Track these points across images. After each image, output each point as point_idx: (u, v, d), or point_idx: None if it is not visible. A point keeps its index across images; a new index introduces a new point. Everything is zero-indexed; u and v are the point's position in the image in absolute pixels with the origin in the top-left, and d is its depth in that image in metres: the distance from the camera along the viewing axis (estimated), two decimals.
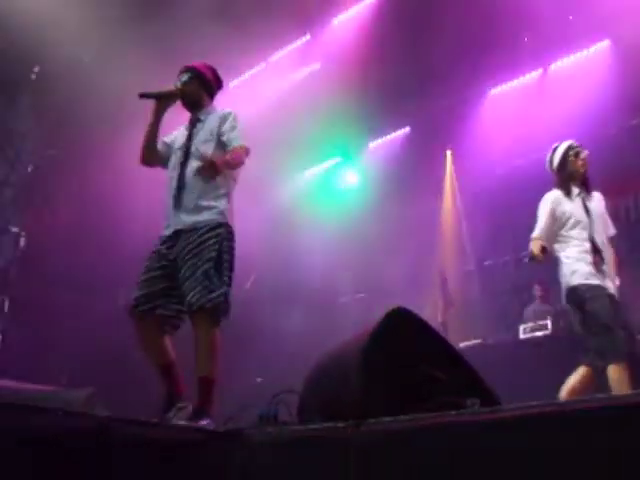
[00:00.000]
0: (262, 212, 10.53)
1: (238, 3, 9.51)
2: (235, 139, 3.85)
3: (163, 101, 3.95)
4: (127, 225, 9.92)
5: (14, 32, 9.36)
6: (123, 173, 10.91)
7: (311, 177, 12.21)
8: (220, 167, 3.60)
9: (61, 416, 2.50)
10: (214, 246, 3.65)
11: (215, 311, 3.57)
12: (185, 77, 4.03)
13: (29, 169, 12.45)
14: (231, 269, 3.70)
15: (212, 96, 4.15)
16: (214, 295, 3.55)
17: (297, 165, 11.76)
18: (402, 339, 2.85)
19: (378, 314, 2.88)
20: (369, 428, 2.31)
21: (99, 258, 10.30)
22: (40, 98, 12.11)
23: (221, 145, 3.87)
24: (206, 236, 3.67)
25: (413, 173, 10.52)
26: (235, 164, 3.78)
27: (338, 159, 11.94)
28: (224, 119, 3.92)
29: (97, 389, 6.44)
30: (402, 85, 9.95)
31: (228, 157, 3.73)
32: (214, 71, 4.18)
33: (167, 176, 3.95)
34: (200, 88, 4.06)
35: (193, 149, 3.87)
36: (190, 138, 3.94)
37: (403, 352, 2.82)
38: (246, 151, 3.83)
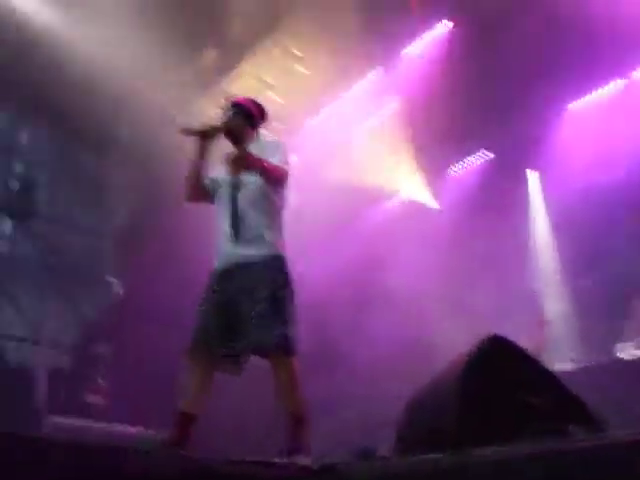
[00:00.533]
0: (346, 243, 10.57)
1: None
2: (276, 161, 3.81)
3: (208, 137, 3.92)
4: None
5: (104, 92, 9.81)
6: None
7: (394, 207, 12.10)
8: (251, 160, 3.58)
9: (163, 458, 2.53)
10: (276, 281, 3.61)
11: (279, 349, 3.51)
12: (230, 113, 3.99)
13: (122, 220, 12.93)
14: (293, 303, 3.63)
15: (257, 131, 4.12)
16: (275, 334, 3.48)
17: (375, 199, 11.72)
18: (498, 366, 2.76)
19: (470, 340, 2.81)
20: (467, 459, 2.24)
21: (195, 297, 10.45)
22: (129, 153, 12.62)
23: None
24: (266, 269, 3.63)
25: (496, 198, 10.31)
26: (266, 169, 3.70)
27: (419, 189, 11.82)
28: (268, 146, 3.91)
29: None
30: (479, 112, 9.81)
31: (262, 160, 3.69)
32: (259, 106, 4.15)
33: (217, 211, 3.91)
34: (245, 124, 4.00)
35: (240, 183, 3.83)
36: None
37: (500, 379, 2.73)
38: (285, 172, 3.80)
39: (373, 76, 10.76)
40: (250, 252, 3.66)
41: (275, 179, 3.75)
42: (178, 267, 10.87)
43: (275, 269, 3.64)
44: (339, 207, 10.80)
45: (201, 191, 3.94)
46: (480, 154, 11.20)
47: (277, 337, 3.46)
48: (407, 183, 11.55)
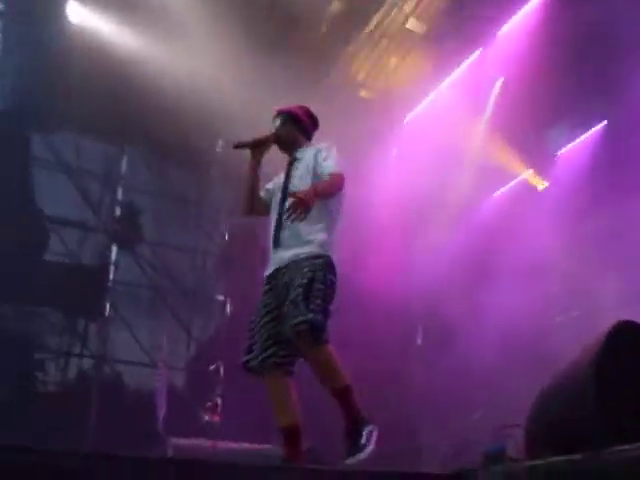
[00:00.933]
0: (458, 234, 10.40)
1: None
2: (328, 167, 3.77)
3: (259, 149, 3.96)
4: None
5: (199, 108, 10.06)
6: None
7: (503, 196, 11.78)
8: (308, 200, 3.47)
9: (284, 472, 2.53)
10: (307, 274, 3.52)
11: (301, 335, 3.41)
12: (278, 121, 4.03)
13: (225, 237, 13.21)
14: (324, 299, 3.51)
15: (308, 136, 4.12)
16: (298, 320, 3.38)
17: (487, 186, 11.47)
18: (631, 352, 2.55)
19: (597, 332, 2.61)
20: (609, 458, 2.04)
21: None
22: (226, 169, 12.89)
23: (317, 179, 3.79)
24: (302, 264, 3.57)
25: (613, 175, 9.79)
26: (327, 193, 3.67)
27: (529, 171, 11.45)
28: (318, 152, 3.86)
29: (314, 443, 6.51)
30: (587, 84, 9.38)
31: (319, 186, 3.63)
32: (307, 111, 4.15)
33: (270, 218, 3.91)
34: (294, 130, 4.04)
35: (291, 187, 3.80)
36: (288, 178, 3.91)
37: (634, 366, 2.51)
38: (341, 178, 3.73)
39: (473, 59, 10.49)
40: (291, 253, 3.66)
41: (337, 190, 3.74)
42: None
43: (314, 264, 3.57)
44: (450, 193, 10.68)
45: (257, 204, 3.99)
46: (592, 128, 10.67)
47: (299, 324, 3.38)
48: (516, 164, 11.22)
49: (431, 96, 11.10)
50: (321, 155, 3.83)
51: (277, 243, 3.72)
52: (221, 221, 13.23)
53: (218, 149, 12.66)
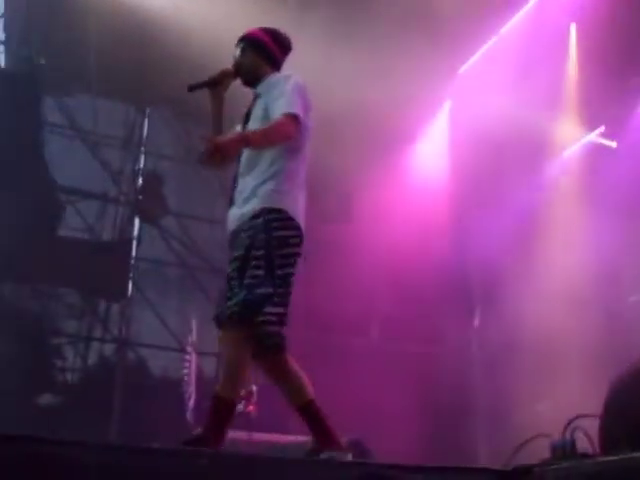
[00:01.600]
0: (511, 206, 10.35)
1: None
2: (278, 107, 3.42)
3: (218, 87, 3.70)
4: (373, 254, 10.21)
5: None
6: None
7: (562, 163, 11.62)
8: (226, 148, 3.20)
9: (323, 466, 2.56)
10: (245, 241, 3.36)
11: (230, 322, 3.28)
12: (237, 50, 3.74)
13: None
14: (268, 265, 3.30)
15: (275, 64, 3.78)
16: (229, 304, 3.29)
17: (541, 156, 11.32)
18: None
19: None
20: None
21: (343, 293, 10.62)
22: None
23: (266, 116, 3.51)
24: (242, 230, 3.41)
25: None
26: (260, 143, 3.38)
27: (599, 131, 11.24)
28: (274, 86, 3.56)
29: (359, 436, 6.57)
30: None
31: (250, 135, 3.36)
32: (273, 33, 3.80)
33: None
34: (256, 57, 3.72)
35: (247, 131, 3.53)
36: (246, 119, 3.64)
37: None
38: (288, 123, 3.36)
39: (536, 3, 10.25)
40: (238, 213, 3.49)
41: (280, 137, 3.40)
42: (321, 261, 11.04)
43: (254, 226, 3.37)
44: (509, 157, 10.60)
45: None
46: None
47: (227, 308, 3.28)
48: (583, 124, 11.05)
49: (489, 43, 10.90)
50: (275, 90, 3.53)
51: (231, 201, 3.56)
52: None
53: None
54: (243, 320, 3.21)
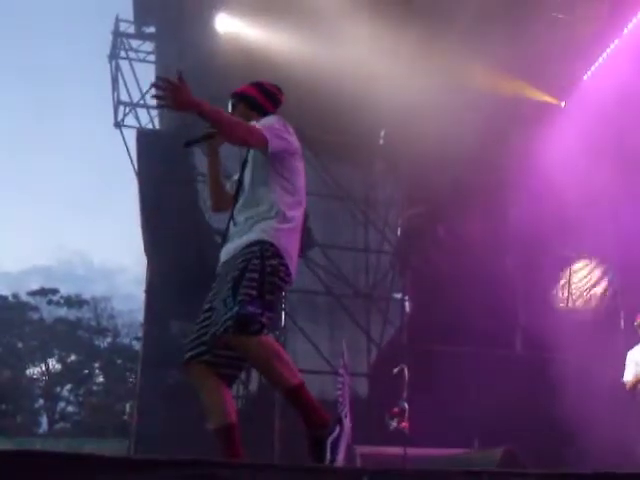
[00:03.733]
0: None
1: None
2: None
3: (212, 141, 3.68)
4: (499, 264, 10.01)
5: (356, 102, 10.25)
6: (493, 212, 11.18)
7: None
8: (181, 93, 3.18)
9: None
10: (240, 265, 3.32)
11: (227, 335, 3.20)
12: (228, 107, 3.77)
13: (398, 233, 13.31)
14: (260, 289, 3.26)
15: (267, 113, 3.75)
16: (223, 319, 3.20)
17: None
18: None
19: None
20: None
21: (481, 305, 10.47)
22: (392, 161, 13.02)
23: (259, 163, 3.54)
24: (238, 255, 3.37)
25: None
26: (215, 116, 3.32)
27: None
28: (261, 125, 3.53)
29: (513, 446, 6.45)
30: None
31: (210, 106, 3.28)
32: (261, 86, 3.83)
33: None
34: (248, 111, 3.72)
35: (244, 177, 3.60)
36: (243, 167, 3.65)
37: None
38: (245, 127, 3.40)
39: None
40: (232, 246, 3.48)
41: (227, 129, 3.39)
42: (461, 276, 10.95)
43: (250, 252, 3.35)
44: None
45: (225, 199, 3.76)
46: None
47: (225, 321, 3.19)
48: None
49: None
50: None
51: (225, 238, 3.58)
52: (392, 216, 13.33)
53: (381, 141, 12.81)
54: (240, 332, 3.18)
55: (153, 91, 3.28)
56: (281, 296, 3.53)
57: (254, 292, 3.25)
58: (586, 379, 10.18)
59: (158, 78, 3.32)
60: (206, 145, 3.75)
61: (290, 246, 3.46)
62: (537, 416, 9.56)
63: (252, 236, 3.40)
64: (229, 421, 3.39)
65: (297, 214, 3.56)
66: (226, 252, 3.51)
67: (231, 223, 3.56)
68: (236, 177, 3.76)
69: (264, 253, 3.34)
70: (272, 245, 3.37)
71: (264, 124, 3.48)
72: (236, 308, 3.19)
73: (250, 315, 3.19)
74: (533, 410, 9.70)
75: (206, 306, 3.47)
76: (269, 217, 3.45)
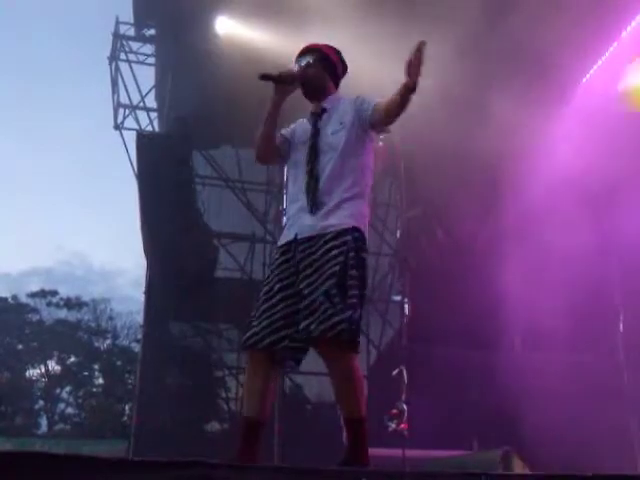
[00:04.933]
0: None
1: None
2: (373, 100, 3.34)
3: (284, 86, 3.43)
4: (499, 267, 10.01)
5: None
6: (492, 212, 11.18)
7: None
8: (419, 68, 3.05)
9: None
10: (338, 258, 3.08)
11: (338, 339, 2.98)
12: (308, 59, 3.49)
13: (397, 234, 13.32)
14: (360, 288, 3.09)
15: (337, 83, 3.59)
16: (335, 320, 2.96)
17: None
18: None
19: None
20: None
21: (480, 308, 10.47)
22: (392, 163, 13.03)
23: (354, 134, 3.32)
24: (330, 243, 3.12)
25: None
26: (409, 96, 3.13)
27: None
28: (356, 102, 3.40)
29: (512, 447, 6.45)
30: None
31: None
32: (339, 54, 3.64)
33: (289, 176, 3.52)
34: (325, 73, 3.51)
35: (321, 144, 3.35)
36: (317, 132, 3.40)
37: None
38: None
39: None
40: (320, 224, 3.17)
41: (397, 113, 3.22)
42: (461, 278, 10.95)
43: (345, 242, 3.11)
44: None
45: (273, 150, 3.50)
46: None
47: (337, 324, 2.96)
48: None
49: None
50: (359, 101, 3.39)
51: (305, 206, 3.25)
52: (391, 218, 13.34)
53: (380, 143, 12.80)
54: (353, 339, 3.02)
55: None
56: None
57: (358, 292, 3.07)
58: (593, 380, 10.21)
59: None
60: (278, 87, 3.44)
61: (367, 230, 3.27)
62: (537, 417, 9.54)
63: (342, 219, 3.18)
64: (259, 418, 3.19)
65: (369, 195, 3.39)
66: (309, 227, 3.21)
67: (309, 188, 3.27)
68: (287, 133, 3.54)
69: (357, 244, 3.14)
70: (361, 233, 3.19)
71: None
72: (350, 312, 3.00)
73: (359, 322, 3.02)
74: (533, 411, 9.69)
75: (278, 285, 3.18)
76: (355, 196, 3.26)
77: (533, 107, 9.84)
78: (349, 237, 3.12)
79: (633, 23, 10.06)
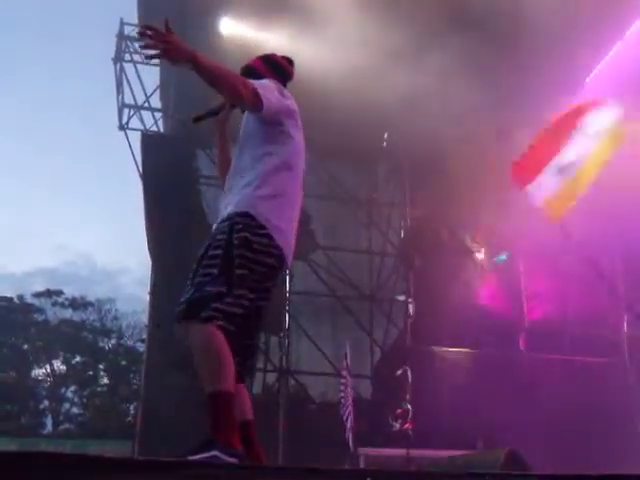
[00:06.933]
0: None
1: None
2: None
3: (219, 114, 3.53)
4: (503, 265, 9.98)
5: (359, 104, 10.25)
6: (496, 212, 11.13)
7: None
8: (177, 46, 2.97)
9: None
10: (205, 243, 3.14)
11: (178, 320, 2.98)
12: None
13: (401, 235, 13.30)
14: (222, 266, 3.02)
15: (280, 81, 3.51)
16: (180, 302, 3.00)
17: None
18: None
19: None
20: None
21: (484, 306, 10.47)
22: (395, 163, 13.02)
23: (253, 124, 3.31)
24: (213, 234, 3.16)
25: None
26: (207, 66, 3.08)
27: None
28: None
29: (517, 447, 6.42)
30: None
31: (203, 56, 3.07)
32: (266, 57, 3.63)
33: None
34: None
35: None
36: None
37: None
38: (251, 87, 3.12)
39: None
40: (220, 216, 3.24)
41: (227, 86, 3.14)
42: (465, 277, 10.93)
43: (219, 229, 3.14)
44: None
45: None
46: None
47: (181, 304, 2.99)
48: None
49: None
50: None
51: (216, 214, 3.34)
52: (395, 219, 13.32)
53: (384, 143, 12.79)
54: (189, 318, 2.97)
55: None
56: (270, 273, 3.17)
57: (215, 270, 3.03)
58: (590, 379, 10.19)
59: (144, 26, 3.00)
60: (213, 119, 3.58)
61: (274, 215, 3.17)
62: (541, 417, 9.53)
63: (229, 210, 3.17)
64: (243, 419, 3.14)
65: (286, 181, 3.29)
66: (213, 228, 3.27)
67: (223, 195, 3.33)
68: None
69: (234, 227, 3.09)
70: (246, 215, 3.12)
71: (258, 83, 3.22)
72: (191, 292, 3.01)
73: (202, 299, 2.97)
74: (537, 411, 9.67)
75: None
76: (249, 186, 3.20)
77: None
78: (226, 223, 3.12)
79: None
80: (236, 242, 3.06)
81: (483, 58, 9.79)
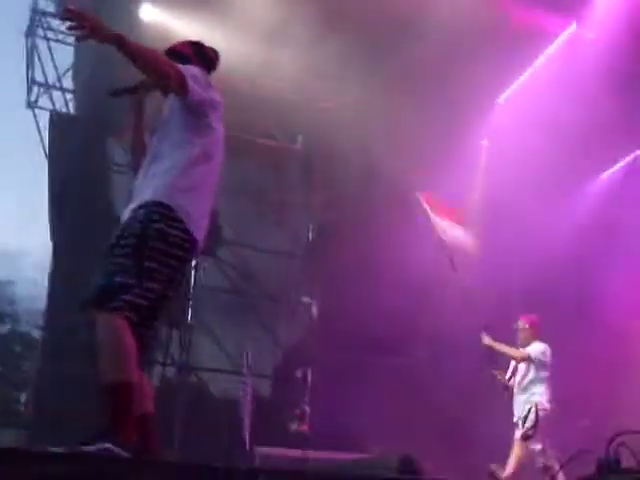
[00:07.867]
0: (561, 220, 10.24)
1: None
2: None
3: (139, 93, 3.49)
4: (416, 275, 10.13)
5: (276, 103, 10.19)
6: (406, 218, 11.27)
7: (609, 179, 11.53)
8: (100, 28, 2.89)
9: None
10: (117, 232, 3.11)
11: (96, 301, 2.97)
12: None
13: (310, 237, 13.28)
14: (135, 255, 2.99)
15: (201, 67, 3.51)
16: (97, 284, 3.00)
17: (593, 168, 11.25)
18: None
19: None
20: None
21: (389, 313, 10.55)
22: (308, 165, 13.00)
23: (176, 110, 3.29)
24: (127, 221, 3.12)
25: None
26: (143, 53, 3.06)
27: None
28: None
29: (411, 452, 6.48)
30: None
31: (137, 42, 3.06)
32: (197, 45, 3.64)
33: None
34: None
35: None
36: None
37: None
38: (178, 69, 3.13)
39: (568, 34, 10.07)
40: (130, 207, 3.18)
41: (155, 67, 3.12)
42: (370, 283, 11.01)
43: (133, 217, 3.10)
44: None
45: (142, 155, 3.45)
46: None
47: (88, 292, 3.00)
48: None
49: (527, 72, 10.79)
50: None
51: (129, 196, 3.28)
52: (305, 220, 13.29)
53: (298, 145, 12.76)
54: (97, 306, 2.95)
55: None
56: (181, 267, 3.14)
57: (126, 260, 2.98)
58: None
59: (66, 8, 2.92)
60: (132, 96, 3.53)
61: (192, 208, 3.16)
62: (438, 423, 9.69)
63: (145, 197, 3.12)
64: (142, 411, 3.07)
65: (205, 173, 3.27)
66: (125, 213, 3.20)
67: (136, 180, 3.27)
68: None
69: (150, 216, 3.05)
70: (163, 206, 3.08)
71: (184, 68, 3.21)
72: (101, 280, 2.99)
73: (112, 289, 2.93)
74: (434, 417, 9.82)
75: None
76: (167, 175, 3.15)
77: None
78: (142, 211, 3.09)
79: None
80: (151, 233, 3.02)
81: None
